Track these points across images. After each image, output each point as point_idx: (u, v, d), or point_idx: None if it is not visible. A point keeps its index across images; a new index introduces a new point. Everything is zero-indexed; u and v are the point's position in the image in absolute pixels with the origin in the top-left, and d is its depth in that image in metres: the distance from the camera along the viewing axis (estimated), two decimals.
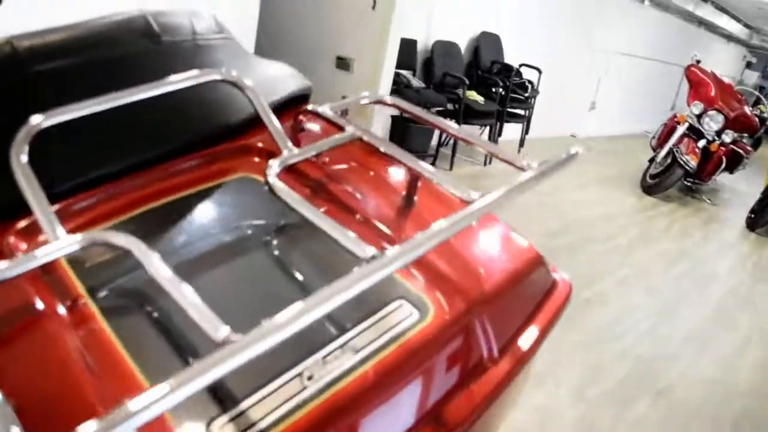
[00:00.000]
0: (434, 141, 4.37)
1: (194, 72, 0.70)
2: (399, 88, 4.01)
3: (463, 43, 4.79)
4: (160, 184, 0.71)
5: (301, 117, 0.84)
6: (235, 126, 0.78)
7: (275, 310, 0.44)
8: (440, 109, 4.17)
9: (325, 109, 0.82)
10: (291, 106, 0.87)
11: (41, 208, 0.55)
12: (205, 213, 0.72)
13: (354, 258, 0.54)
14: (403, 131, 4.03)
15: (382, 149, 0.74)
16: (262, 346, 0.41)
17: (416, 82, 4.19)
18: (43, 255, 0.52)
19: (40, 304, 0.56)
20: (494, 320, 0.66)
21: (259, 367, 0.49)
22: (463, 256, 0.71)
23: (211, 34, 0.87)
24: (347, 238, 0.55)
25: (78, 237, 0.53)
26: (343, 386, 0.54)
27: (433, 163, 4.27)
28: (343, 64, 3.82)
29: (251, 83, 0.77)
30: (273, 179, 0.62)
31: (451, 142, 4.46)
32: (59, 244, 0.53)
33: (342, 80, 3.83)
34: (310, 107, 0.83)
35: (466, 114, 4.27)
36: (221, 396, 0.51)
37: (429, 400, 0.59)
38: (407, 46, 4.09)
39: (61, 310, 0.56)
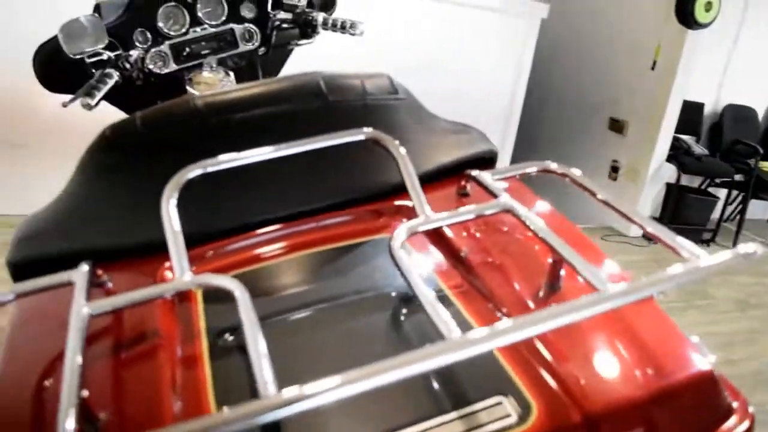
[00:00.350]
0: (716, 214, 3.91)
1: (342, 132, 0.69)
2: (677, 153, 3.68)
3: (761, 108, 4.24)
4: (293, 239, 0.73)
5: (464, 182, 0.79)
6: (385, 186, 0.75)
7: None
8: (726, 180, 3.72)
9: (485, 176, 0.75)
10: (468, 169, 0.79)
11: (177, 249, 0.60)
12: (327, 272, 0.72)
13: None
14: (678, 201, 3.68)
15: (528, 224, 0.65)
16: (299, 405, 0.41)
17: (698, 149, 3.81)
18: (159, 291, 0.57)
19: (156, 332, 0.61)
20: None
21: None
22: (598, 356, 0.60)
23: (383, 94, 0.86)
24: (438, 315, 0.51)
25: (192, 277, 0.58)
26: None
27: (712, 240, 3.82)
28: (616, 126, 3.64)
29: (415, 144, 0.75)
30: (395, 244, 0.60)
31: (737, 217, 3.94)
32: (175, 284, 0.57)
33: (614, 143, 3.65)
34: (473, 172, 0.76)
35: (758, 187, 3.75)
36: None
37: None
38: (691, 109, 3.75)
39: (171, 340, 0.60)
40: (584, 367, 0.58)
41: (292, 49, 1.54)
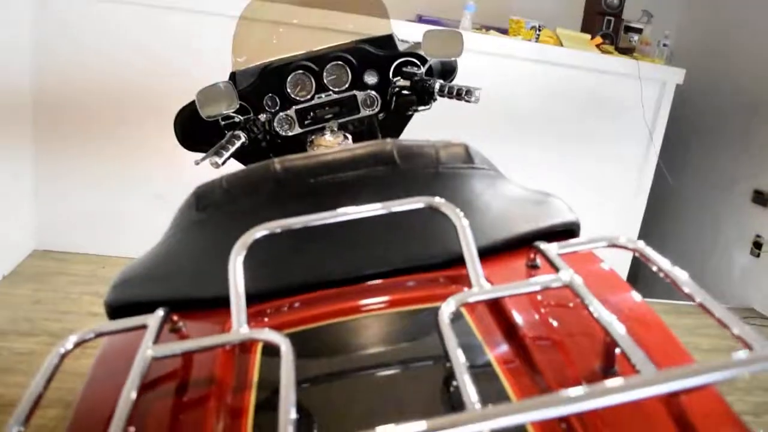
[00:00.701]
0: None
1: (403, 199, 0.69)
2: None
3: None
4: (349, 302, 0.72)
5: (533, 254, 0.75)
6: (448, 255, 0.73)
7: None
8: None
9: (551, 248, 0.71)
10: (545, 239, 0.75)
11: (237, 304, 0.63)
12: (378, 338, 0.71)
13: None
14: None
15: (585, 301, 0.60)
16: None
17: None
18: (216, 341, 0.61)
19: (212, 380, 0.64)
20: None
21: None
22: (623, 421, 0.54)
23: (457, 163, 0.86)
24: (465, 385, 0.50)
25: (247, 331, 0.61)
26: None
27: None
28: (760, 198, 3.36)
29: (486, 213, 0.73)
30: (443, 314, 0.58)
31: None
32: (230, 336, 0.61)
33: (757, 216, 3.36)
34: (541, 245, 0.73)
35: None
36: None
37: None
38: None
39: (224, 389, 0.62)
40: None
41: (411, 115, 1.59)
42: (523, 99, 3.12)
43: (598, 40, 3.26)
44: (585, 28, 3.44)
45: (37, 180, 2.91)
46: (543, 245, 0.73)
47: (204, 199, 0.85)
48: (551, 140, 3.18)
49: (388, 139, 0.88)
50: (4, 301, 2.53)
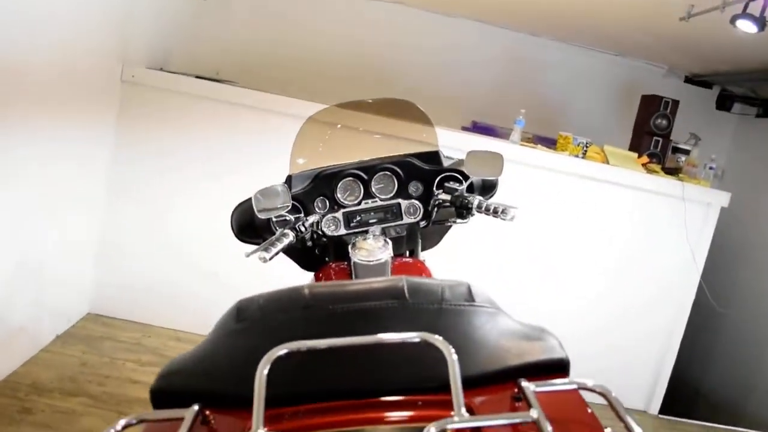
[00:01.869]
0: None
1: (403, 333, 0.81)
2: None
3: None
4: (352, 414, 0.83)
5: (517, 389, 0.83)
6: (439, 382, 0.80)
7: None
8: None
9: (529, 386, 0.80)
10: (533, 374, 0.85)
11: (257, 409, 0.73)
12: None
13: None
14: None
15: None
16: None
17: None
18: None
19: None
20: None
21: None
22: None
23: (460, 300, 0.97)
24: None
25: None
26: None
27: None
28: None
29: (479, 347, 0.82)
30: None
31: None
32: None
33: None
34: (522, 382, 0.82)
35: None
36: None
37: None
38: None
39: None
40: None
41: (450, 226, 1.70)
42: (566, 214, 3.20)
43: (645, 159, 3.35)
44: (633, 147, 3.54)
45: (100, 245, 3.11)
46: (524, 383, 0.82)
47: (243, 312, 0.98)
48: (592, 256, 3.22)
49: (403, 277, 1.01)
50: (54, 360, 2.67)
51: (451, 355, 0.80)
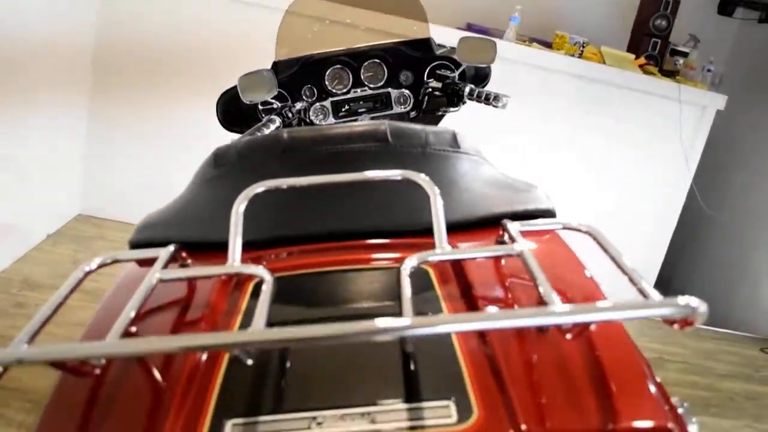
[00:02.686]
0: None
1: (384, 171, 0.79)
2: None
3: None
4: (332, 255, 0.82)
5: (501, 231, 0.82)
6: (424, 225, 0.79)
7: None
8: None
9: (514, 225, 0.79)
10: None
11: (233, 243, 0.73)
12: (347, 288, 0.80)
13: None
14: None
15: (532, 270, 0.68)
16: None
17: None
18: (212, 271, 0.73)
19: (204, 306, 0.73)
20: None
21: (281, 397, 0.59)
22: (556, 385, 0.60)
23: (445, 145, 0.94)
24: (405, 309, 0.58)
25: (237, 265, 0.72)
26: None
27: None
28: None
29: (465, 192, 0.81)
30: (404, 269, 0.67)
31: None
32: (225, 268, 0.72)
33: None
34: (507, 222, 0.81)
35: None
36: (247, 400, 0.60)
37: None
38: None
39: (214, 315, 0.71)
40: (538, 391, 0.60)
41: (441, 116, 1.66)
42: (561, 112, 3.15)
43: (642, 60, 3.28)
44: (631, 48, 3.46)
45: (88, 147, 3.07)
46: (508, 223, 0.81)
47: (221, 158, 0.95)
48: (585, 154, 3.20)
49: (385, 120, 0.97)
50: (46, 258, 2.68)
51: (435, 192, 0.78)
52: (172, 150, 3.03)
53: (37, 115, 2.61)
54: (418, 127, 0.96)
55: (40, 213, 2.82)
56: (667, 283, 3.66)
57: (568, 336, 0.63)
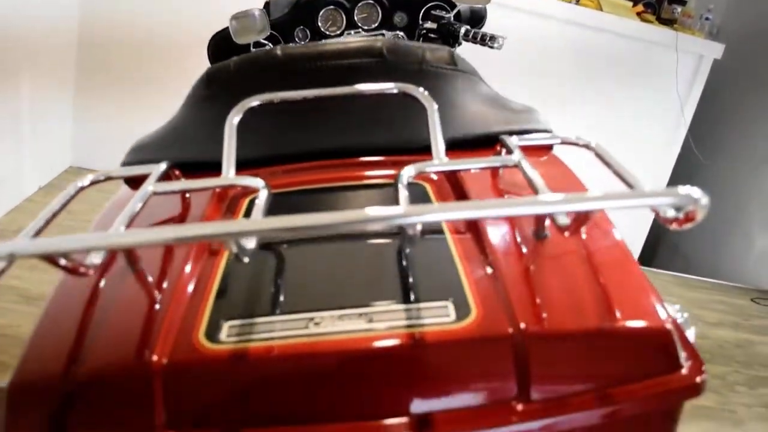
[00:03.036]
0: None
1: (379, 84, 0.78)
2: None
3: None
4: (327, 173, 0.82)
5: (498, 147, 0.82)
6: (420, 143, 0.78)
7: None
8: None
9: (512, 139, 0.79)
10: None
11: (228, 156, 0.72)
12: (344, 202, 0.80)
13: None
14: None
15: (529, 177, 0.67)
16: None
17: None
18: (206, 184, 0.73)
19: (201, 216, 0.74)
20: (543, 362, 0.55)
21: (278, 300, 0.60)
22: (555, 284, 0.61)
23: (441, 63, 0.93)
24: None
25: (231, 176, 0.71)
26: (336, 342, 0.55)
27: None
28: None
29: (462, 110, 0.79)
30: (403, 177, 0.66)
31: None
32: (219, 180, 0.71)
33: None
34: (504, 137, 0.80)
35: None
36: (244, 303, 0.60)
37: (409, 404, 0.54)
38: None
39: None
40: (536, 291, 0.60)
41: None
42: (556, 60, 3.11)
43: (640, 8, 3.22)
44: None
45: (78, 99, 3.04)
46: (506, 138, 0.80)
47: (213, 78, 0.93)
48: (578, 103, 3.18)
49: (381, 37, 0.95)
50: (38, 209, 2.64)
51: (432, 105, 0.76)
52: (162, 100, 2.99)
53: (27, 70, 2.58)
54: (414, 44, 0.95)
55: (32, 166, 2.81)
56: (659, 240, 3.67)
57: (566, 234, 0.62)
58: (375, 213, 0.48)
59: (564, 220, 0.62)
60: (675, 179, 3.34)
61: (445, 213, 0.53)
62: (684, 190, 0.51)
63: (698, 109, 3.21)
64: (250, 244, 0.58)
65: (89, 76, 3.00)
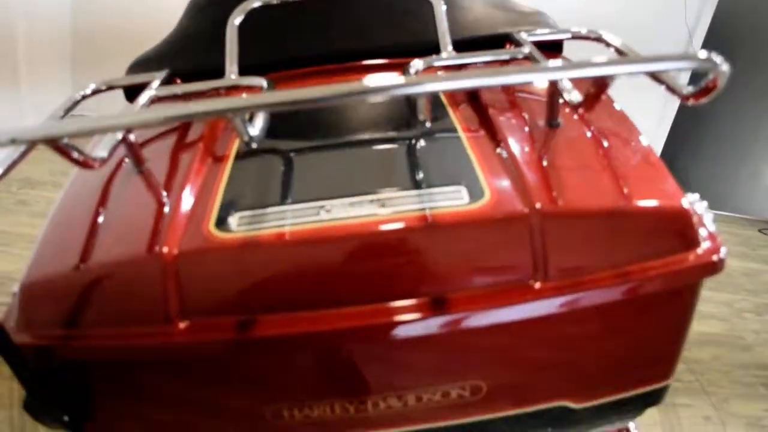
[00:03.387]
0: None
1: None
2: None
3: None
4: (329, 78, 0.81)
5: (508, 45, 0.82)
6: (419, 47, 0.78)
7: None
8: None
9: (522, 35, 0.78)
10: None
11: (230, 57, 0.72)
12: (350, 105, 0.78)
13: None
14: None
15: (543, 65, 0.66)
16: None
17: None
18: (211, 85, 0.73)
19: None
20: (559, 241, 0.54)
21: (288, 191, 0.60)
22: (567, 166, 0.60)
23: None
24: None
25: (234, 77, 0.71)
26: (349, 226, 0.54)
27: None
28: None
29: (474, 12, 0.79)
30: (411, 69, 0.67)
31: None
32: (224, 81, 0.72)
33: None
34: (514, 34, 0.80)
35: None
36: (253, 196, 0.60)
37: (425, 286, 0.54)
38: None
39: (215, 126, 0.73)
40: (550, 173, 0.60)
41: None
42: None
43: None
44: None
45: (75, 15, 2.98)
46: (516, 33, 0.80)
47: None
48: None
49: None
50: (42, 157, 2.65)
51: (441, 6, 0.75)
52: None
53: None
54: None
55: (37, 118, 2.79)
56: (669, 163, 3.63)
57: (580, 113, 0.61)
58: (376, 83, 0.47)
59: (576, 97, 0.60)
60: (683, 108, 3.29)
61: (446, 83, 0.51)
62: (703, 54, 0.49)
63: (708, 36, 3.14)
64: (257, 129, 0.57)
65: (83, 71, 2.98)
